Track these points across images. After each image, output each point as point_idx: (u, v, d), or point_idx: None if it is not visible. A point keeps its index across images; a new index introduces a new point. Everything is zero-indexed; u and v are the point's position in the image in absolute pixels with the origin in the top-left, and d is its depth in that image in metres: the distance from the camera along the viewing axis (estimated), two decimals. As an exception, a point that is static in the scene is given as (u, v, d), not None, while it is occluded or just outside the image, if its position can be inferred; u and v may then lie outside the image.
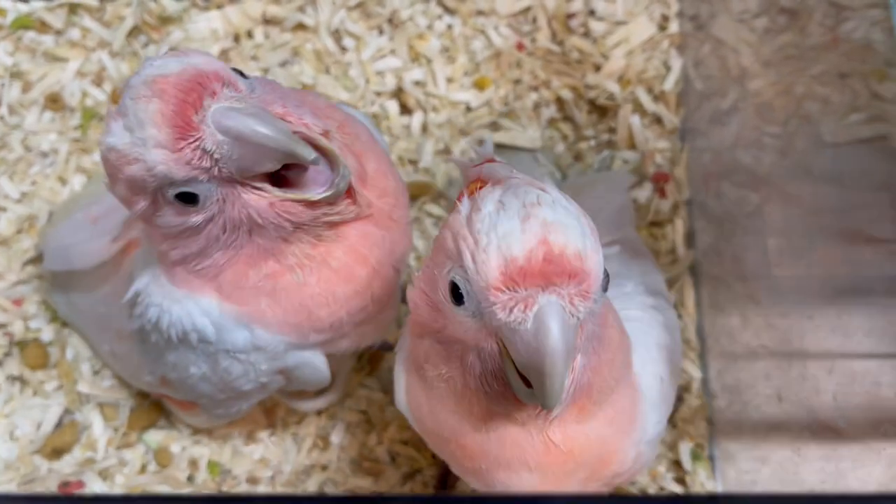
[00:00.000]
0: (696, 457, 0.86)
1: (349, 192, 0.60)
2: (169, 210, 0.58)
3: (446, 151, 0.97)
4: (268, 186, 0.58)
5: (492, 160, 0.58)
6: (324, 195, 0.58)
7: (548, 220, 0.48)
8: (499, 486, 0.58)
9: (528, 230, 0.48)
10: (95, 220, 0.78)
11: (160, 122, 0.54)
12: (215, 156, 0.55)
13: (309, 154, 0.55)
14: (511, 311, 0.48)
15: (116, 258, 0.74)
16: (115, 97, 0.98)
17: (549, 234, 0.48)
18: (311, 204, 0.58)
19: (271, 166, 0.56)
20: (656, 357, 0.64)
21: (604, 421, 0.56)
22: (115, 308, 0.72)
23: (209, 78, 0.54)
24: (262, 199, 0.58)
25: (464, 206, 0.52)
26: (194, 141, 0.54)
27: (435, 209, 0.95)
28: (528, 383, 0.50)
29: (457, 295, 0.51)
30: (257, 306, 0.62)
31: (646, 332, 0.63)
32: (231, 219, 0.59)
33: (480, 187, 0.55)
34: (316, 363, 0.67)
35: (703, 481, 0.85)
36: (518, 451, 0.56)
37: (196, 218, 0.58)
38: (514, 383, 0.51)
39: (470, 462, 0.58)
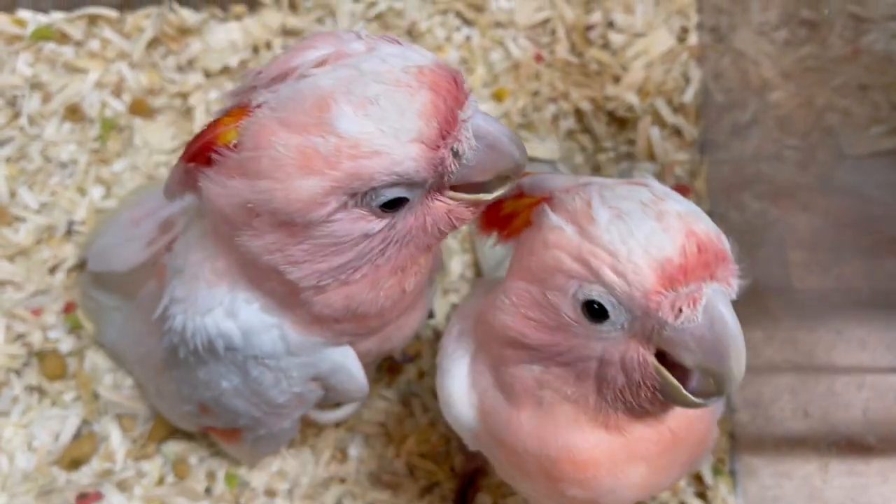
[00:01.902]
0: (717, 471, 0.85)
1: None
2: (350, 216, 0.51)
3: (465, 163, 0.97)
4: (451, 192, 0.53)
5: (526, 174, 0.57)
6: (502, 192, 0.54)
7: (681, 212, 0.48)
8: (604, 490, 0.56)
9: (671, 227, 0.47)
10: (138, 221, 0.78)
11: (431, 113, 0.48)
12: (462, 160, 0.51)
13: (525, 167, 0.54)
14: (679, 311, 0.46)
15: (151, 265, 0.73)
16: (135, 107, 0.99)
17: (691, 224, 0.47)
18: (475, 206, 0.55)
19: (490, 177, 0.53)
20: None
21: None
22: (151, 338, 0.72)
23: (461, 76, 0.51)
24: (442, 206, 0.54)
25: (560, 222, 0.50)
26: (453, 141, 0.50)
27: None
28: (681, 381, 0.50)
29: (595, 311, 0.49)
30: (346, 320, 0.59)
31: None
32: (404, 229, 0.53)
33: (531, 204, 0.54)
34: (351, 368, 0.64)
35: (725, 496, 0.84)
36: (641, 447, 0.55)
37: (377, 226, 0.52)
38: (673, 388, 0.50)
39: (581, 473, 0.55)
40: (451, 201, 0.54)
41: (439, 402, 0.65)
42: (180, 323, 0.62)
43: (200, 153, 0.54)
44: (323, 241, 0.53)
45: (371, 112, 0.48)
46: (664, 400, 0.51)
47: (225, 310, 0.60)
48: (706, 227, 0.48)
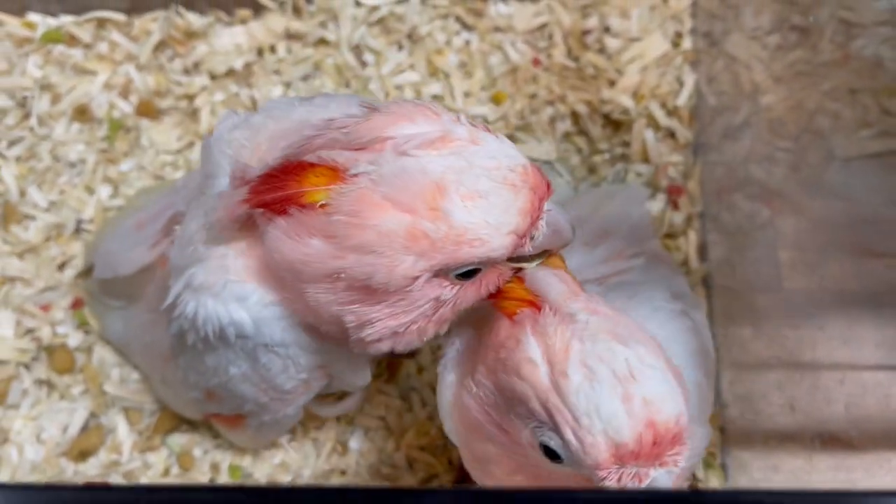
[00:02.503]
0: (708, 465, 0.88)
1: None
2: (431, 284, 0.55)
3: (463, 164, 0.99)
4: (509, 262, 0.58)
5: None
6: (540, 261, 0.59)
7: (647, 398, 0.50)
8: None
9: (633, 413, 0.49)
10: (141, 226, 0.80)
11: (527, 211, 0.54)
12: (535, 242, 0.56)
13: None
14: (621, 481, 0.50)
15: (154, 266, 0.76)
16: (142, 109, 1.01)
17: (654, 414, 0.50)
18: (517, 271, 0.59)
19: (548, 249, 0.59)
20: (692, 363, 0.65)
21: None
22: (156, 326, 0.74)
23: (545, 174, 0.56)
24: (495, 272, 0.58)
25: (537, 357, 0.52)
26: (534, 231, 0.56)
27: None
28: None
29: (550, 452, 0.52)
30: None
31: (680, 342, 0.65)
32: (468, 292, 0.58)
33: (523, 300, 0.56)
34: (356, 360, 0.68)
35: (716, 489, 0.87)
36: None
37: (451, 292, 0.56)
38: None
39: None
40: (503, 268, 0.58)
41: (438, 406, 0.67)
42: (192, 310, 0.63)
43: (279, 203, 0.55)
44: (399, 303, 0.56)
45: (480, 205, 0.53)
46: None
47: (237, 299, 0.63)
48: (667, 416, 0.50)
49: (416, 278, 0.54)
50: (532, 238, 0.56)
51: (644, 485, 0.50)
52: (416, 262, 0.53)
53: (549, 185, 0.56)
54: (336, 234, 0.53)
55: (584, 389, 0.50)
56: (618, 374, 0.50)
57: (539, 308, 0.55)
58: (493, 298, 0.59)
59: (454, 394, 0.63)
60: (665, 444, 0.50)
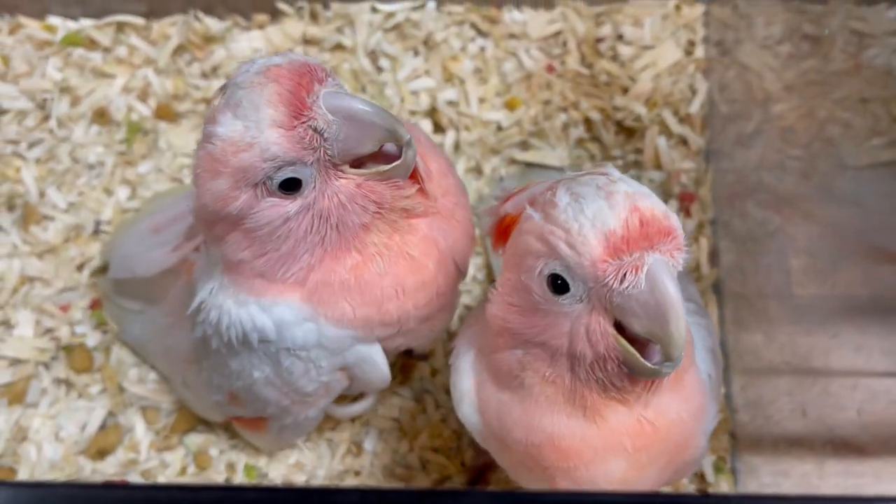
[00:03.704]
0: (718, 469, 0.89)
1: (417, 179, 0.64)
2: (266, 204, 0.60)
3: (477, 169, 1.01)
4: (351, 169, 0.61)
5: (512, 193, 0.62)
6: (396, 164, 0.61)
7: (629, 192, 0.53)
8: (585, 481, 0.60)
9: (616, 204, 0.52)
10: (158, 229, 0.82)
11: (277, 101, 0.57)
12: (325, 135, 0.59)
13: (405, 133, 0.60)
14: (623, 277, 0.52)
15: (176, 269, 0.77)
16: (160, 112, 1.02)
17: (636, 201, 0.52)
18: (390, 182, 0.62)
19: (371, 147, 0.61)
20: (705, 357, 0.67)
21: (681, 400, 0.60)
22: (178, 330, 0.75)
23: (315, 68, 0.59)
24: (349, 183, 0.61)
25: (531, 211, 0.56)
26: (307, 120, 0.58)
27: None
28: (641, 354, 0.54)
29: (558, 286, 0.54)
30: (337, 303, 0.65)
31: (695, 332, 0.66)
32: (322, 209, 0.61)
33: (513, 221, 0.59)
34: (376, 359, 0.69)
35: (726, 493, 0.88)
36: (620, 436, 0.58)
37: (293, 207, 0.61)
38: (629, 354, 0.54)
39: (564, 461, 0.60)
40: (354, 177, 0.62)
41: (452, 400, 0.68)
42: (216, 316, 0.66)
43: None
44: (262, 232, 0.62)
45: (238, 113, 0.58)
46: (629, 372, 0.55)
47: (260, 305, 0.64)
48: (651, 205, 0.53)
49: (234, 198, 0.60)
50: (318, 130, 0.58)
51: (643, 273, 0.51)
52: (220, 183, 0.60)
53: (310, 73, 0.58)
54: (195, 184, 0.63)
55: (571, 205, 0.53)
56: (599, 185, 0.54)
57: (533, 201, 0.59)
58: (504, 239, 0.61)
59: (474, 368, 0.65)
60: (654, 229, 0.52)
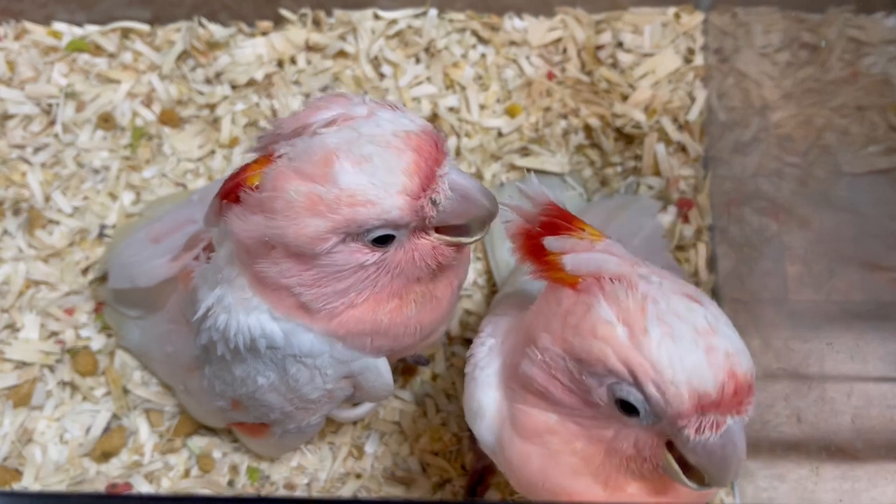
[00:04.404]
0: (715, 473, 0.90)
1: None
2: (348, 249, 0.61)
3: (478, 175, 1.02)
4: (435, 234, 0.63)
5: (551, 205, 0.59)
6: (476, 239, 0.64)
7: (729, 351, 0.52)
8: None
9: (715, 364, 0.51)
10: (157, 239, 0.82)
11: (413, 171, 0.59)
12: (438, 207, 0.60)
13: (500, 217, 0.62)
14: (701, 431, 0.52)
15: (175, 278, 0.78)
16: (164, 117, 1.03)
17: (734, 365, 0.52)
18: (456, 247, 0.64)
19: (463, 221, 0.62)
20: None
21: None
22: (178, 336, 0.76)
23: (441, 141, 0.61)
24: (427, 244, 0.63)
25: (611, 317, 0.53)
26: (431, 193, 0.60)
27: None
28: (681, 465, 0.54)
29: (627, 407, 0.54)
30: (359, 337, 0.67)
31: None
32: (395, 262, 0.63)
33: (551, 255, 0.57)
34: (381, 370, 0.70)
35: (723, 497, 0.89)
36: (636, 499, 0.59)
37: (371, 258, 0.62)
38: (674, 474, 0.55)
39: None
40: (435, 241, 0.63)
41: (466, 410, 0.67)
42: (223, 322, 0.66)
43: (231, 192, 0.64)
44: (327, 269, 0.62)
45: (366, 168, 0.59)
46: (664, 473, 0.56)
47: (269, 312, 0.65)
48: (746, 369, 0.52)
49: (325, 240, 0.60)
50: (435, 203, 0.60)
51: (718, 434, 0.51)
52: (319, 224, 0.60)
53: (439, 147, 0.60)
54: (263, 207, 0.61)
55: (666, 343, 0.51)
56: (698, 329, 0.52)
57: (601, 280, 0.56)
58: (540, 265, 0.60)
59: (499, 382, 0.64)
60: (743, 394, 0.52)
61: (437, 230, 0.63)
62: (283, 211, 0.60)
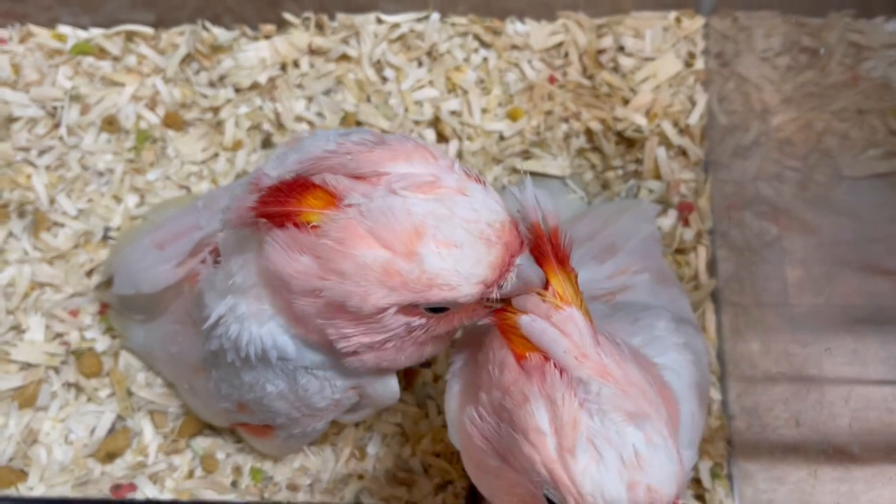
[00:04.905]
0: (715, 475, 0.90)
1: None
2: (406, 313, 0.60)
3: (480, 178, 1.02)
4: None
5: (537, 225, 0.58)
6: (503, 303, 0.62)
7: (651, 486, 0.51)
8: None
9: (636, 501, 0.51)
10: (162, 245, 0.83)
11: (496, 265, 0.57)
12: (502, 291, 0.58)
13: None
14: None
15: (179, 282, 0.78)
16: (168, 120, 1.04)
17: (655, 501, 0.51)
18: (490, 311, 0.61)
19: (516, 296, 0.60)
20: (688, 396, 0.67)
21: None
22: (183, 337, 0.76)
23: (518, 227, 0.59)
24: (470, 307, 0.61)
25: (540, 419, 0.52)
26: (503, 282, 0.58)
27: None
28: None
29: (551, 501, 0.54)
30: (368, 366, 0.66)
31: (679, 375, 0.67)
32: (438, 323, 0.62)
33: (523, 349, 0.55)
34: (387, 379, 0.70)
35: (722, 499, 0.89)
36: None
37: (421, 321, 0.61)
38: None
39: None
40: (476, 305, 0.61)
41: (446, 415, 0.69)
42: (234, 332, 0.66)
43: (278, 217, 0.58)
44: (372, 325, 0.60)
45: (454, 254, 0.56)
46: None
47: (281, 325, 0.65)
48: (667, 499, 0.52)
49: (387, 309, 0.58)
50: (500, 287, 0.58)
51: None
52: (388, 296, 0.57)
53: (522, 243, 0.58)
54: (321, 256, 0.57)
55: (591, 472, 0.51)
56: (625, 461, 0.51)
57: (543, 363, 0.54)
58: (500, 329, 0.59)
59: (459, 405, 0.65)
60: None
61: None
62: (352, 274, 0.56)
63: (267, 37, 1.08)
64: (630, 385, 0.54)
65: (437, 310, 0.60)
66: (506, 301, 0.60)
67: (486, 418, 0.57)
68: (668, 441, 0.53)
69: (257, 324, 0.65)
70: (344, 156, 0.58)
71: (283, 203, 0.58)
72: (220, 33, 1.08)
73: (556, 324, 0.55)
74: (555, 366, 0.54)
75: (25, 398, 0.92)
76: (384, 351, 0.64)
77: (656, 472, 0.52)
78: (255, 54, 1.06)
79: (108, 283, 0.95)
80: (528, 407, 0.53)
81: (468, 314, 0.62)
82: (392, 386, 0.71)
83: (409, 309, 0.59)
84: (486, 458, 0.60)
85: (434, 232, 0.55)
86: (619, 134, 1.04)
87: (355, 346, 0.62)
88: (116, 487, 0.89)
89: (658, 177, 1.02)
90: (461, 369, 0.66)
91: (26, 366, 0.93)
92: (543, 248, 0.58)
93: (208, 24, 1.08)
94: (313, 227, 0.57)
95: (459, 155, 1.03)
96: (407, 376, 0.94)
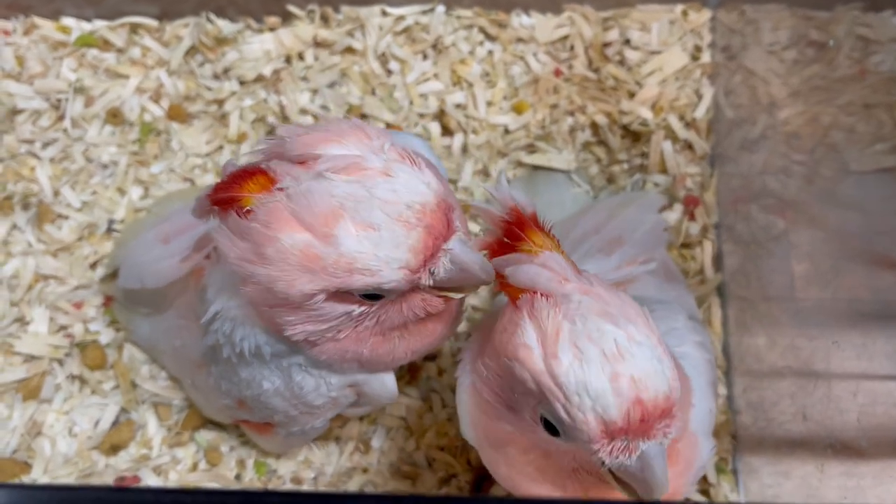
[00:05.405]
0: (720, 470, 0.90)
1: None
2: (337, 301, 0.59)
3: (485, 172, 1.02)
4: (428, 289, 0.60)
5: (514, 209, 0.59)
6: (464, 295, 0.62)
7: (635, 377, 0.52)
8: None
9: (620, 392, 0.51)
10: (166, 239, 0.82)
11: (419, 248, 0.56)
12: (435, 277, 0.58)
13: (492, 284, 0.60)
14: (615, 455, 0.52)
15: (185, 277, 0.78)
16: (172, 112, 1.04)
17: (641, 391, 0.52)
18: (447, 298, 0.62)
19: (463, 287, 0.60)
20: (709, 394, 0.68)
21: (673, 472, 0.60)
22: (187, 332, 0.76)
23: (450, 210, 0.58)
24: (417, 297, 0.61)
25: (532, 342, 0.53)
26: (432, 266, 0.57)
27: (474, 227, 0.99)
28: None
29: (550, 427, 0.54)
30: (344, 364, 0.66)
31: (699, 370, 0.67)
32: (381, 312, 0.61)
33: (518, 294, 0.56)
34: (384, 379, 0.70)
35: (727, 493, 0.89)
36: (604, 495, 0.59)
37: (357, 309, 0.60)
38: (613, 483, 0.55)
39: None
40: (426, 294, 0.61)
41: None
42: (230, 327, 0.66)
43: (223, 203, 0.59)
44: (311, 313, 0.60)
45: (371, 237, 0.55)
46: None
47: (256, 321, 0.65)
48: (655, 393, 0.52)
49: (314, 295, 0.57)
50: (432, 273, 0.58)
51: (635, 457, 0.52)
52: (312, 281, 0.56)
53: (450, 223, 0.57)
54: (253, 241, 0.57)
55: (574, 369, 0.52)
56: (606, 354, 0.52)
57: (533, 294, 0.56)
58: (501, 286, 0.60)
59: (470, 390, 0.65)
60: (653, 419, 0.52)
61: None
62: (275, 259, 0.56)
63: (271, 29, 1.07)
64: (614, 297, 0.55)
65: (373, 297, 0.59)
66: (447, 289, 0.60)
67: (490, 366, 0.58)
68: (654, 341, 0.53)
69: (251, 320, 0.65)
70: (288, 142, 0.58)
71: (229, 189, 0.58)
72: (224, 25, 1.07)
73: (538, 263, 0.56)
74: (542, 294, 0.55)
75: (29, 390, 0.91)
76: (340, 342, 0.63)
77: (640, 363, 0.52)
78: (259, 47, 1.06)
79: (112, 276, 0.95)
80: (518, 331, 0.54)
81: (417, 302, 0.61)
82: (389, 385, 0.70)
83: (340, 296, 0.58)
84: (499, 425, 0.60)
85: (352, 214, 0.55)
86: (625, 127, 1.03)
87: (303, 335, 0.62)
88: (120, 480, 0.88)
89: (664, 171, 1.02)
90: (471, 358, 0.66)
91: (30, 358, 0.93)
92: (522, 219, 0.58)
93: (213, 17, 1.08)
94: (247, 211, 0.57)
95: (464, 148, 1.03)
96: (410, 370, 0.94)
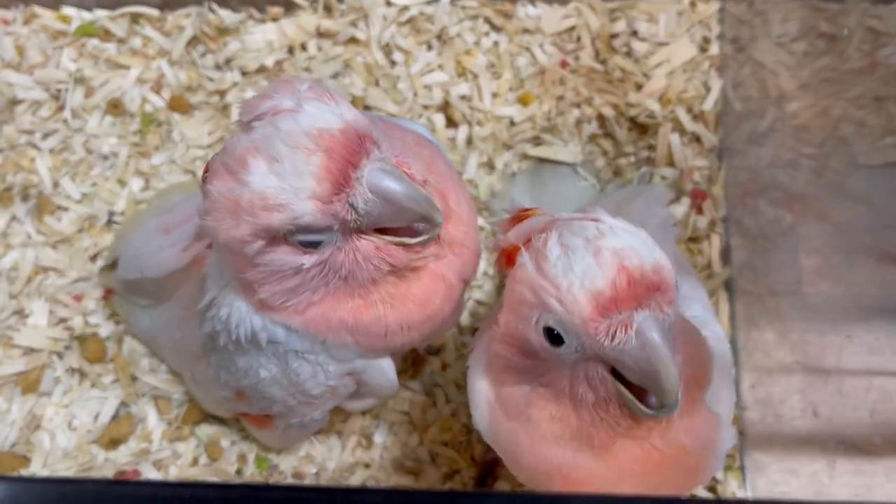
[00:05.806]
0: (727, 466, 0.89)
1: (437, 238, 0.63)
2: (282, 251, 0.59)
3: (489, 164, 1.01)
4: (377, 235, 0.60)
5: (524, 212, 0.61)
6: (421, 240, 0.61)
7: (617, 248, 0.53)
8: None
9: (604, 262, 0.53)
10: (167, 229, 0.82)
11: (322, 175, 0.55)
12: (360, 211, 0.57)
13: (439, 218, 0.59)
14: (613, 335, 0.52)
15: (186, 267, 0.77)
16: (174, 103, 1.03)
17: (623, 259, 0.53)
18: (407, 247, 0.61)
19: (401, 225, 0.59)
20: (729, 383, 0.67)
21: (689, 430, 0.60)
22: (187, 324, 0.75)
23: (365, 139, 0.57)
24: (369, 245, 0.60)
25: (525, 259, 0.56)
26: (347, 196, 0.56)
27: (479, 221, 0.98)
28: (640, 398, 0.55)
29: (554, 338, 0.55)
30: (338, 334, 0.65)
31: (720, 358, 0.66)
32: (336, 263, 0.60)
33: (516, 250, 0.58)
34: (384, 367, 0.69)
35: (734, 490, 0.88)
36: (628, 466, 0.59)
37: (307, 260, 0.60)
38: (628, 401, 0.55)
39: (574, 488, 0.61)
40: (377, 241, 0.60)
41: (470, 403, 0.68)
42: (225, 313, 0.66)
43: (205, 172, 0.61)
44: (268, 269, 0.61)
45: (277, 170, 0.56)
46: (632, 413, 0.56)
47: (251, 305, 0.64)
48: (639, 262, 0.53)
49: (250, 243, 0.58)
50: (354, 207, 0.57)
51: (632, 331, 0.52)
52: (237, 226, 0.57)
53: (361, 146, 0.56)
54: (204, 198, 0.60)
55: (561, 259, 0.54)
56: (589, 238, 0.54)
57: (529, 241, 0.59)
58: (508, 264, 0.60)
59: (485, 370, 0.65)
60: (642, 287, 0.52)
61: (384, 231, 0.60)
62: (210, 210, 0.58)
63: (274, 19, 1.06)
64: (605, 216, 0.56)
65: (312, 245, 0.59)
66: (390, 232, 0.60)
67: (505, 318, 0.59)
68: (641, 233, 0.55)
69: (246, 306, 0.65)
70: (241, 114, 0.60)
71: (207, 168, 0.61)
72: (226, 15, 1.06)
73: (533, 216, 0.60)
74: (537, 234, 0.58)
75: (28, 383, 0.90)
76: (320, 305, 0.63)
77: (622, 238, 0.54)
78: (262, 37, 1.05)
79: (112, 268, 0.94)
80: (517, 266, 0.57)
81: (371, 251, 0.60)
82: (388, 373, 0.69)
83: (277, 242, 0.58)
84: (517, 390, 0.60)
85: (262, 153, 0.56)
86: (632, 120, 1.02)
87: (276, 297, 0.62)
88: (120, 474, 0.87)
89: (671, 164, 1.00)
90: (485, 348, 0.65)
91: (29, 351, 0.92)
92: (525, 209, 0.61)
93: (214, 6, 1.06)
94: (203, 177, 0.60)
95: (469, 140, 1.01)
96: (414, 364, 0.93)
